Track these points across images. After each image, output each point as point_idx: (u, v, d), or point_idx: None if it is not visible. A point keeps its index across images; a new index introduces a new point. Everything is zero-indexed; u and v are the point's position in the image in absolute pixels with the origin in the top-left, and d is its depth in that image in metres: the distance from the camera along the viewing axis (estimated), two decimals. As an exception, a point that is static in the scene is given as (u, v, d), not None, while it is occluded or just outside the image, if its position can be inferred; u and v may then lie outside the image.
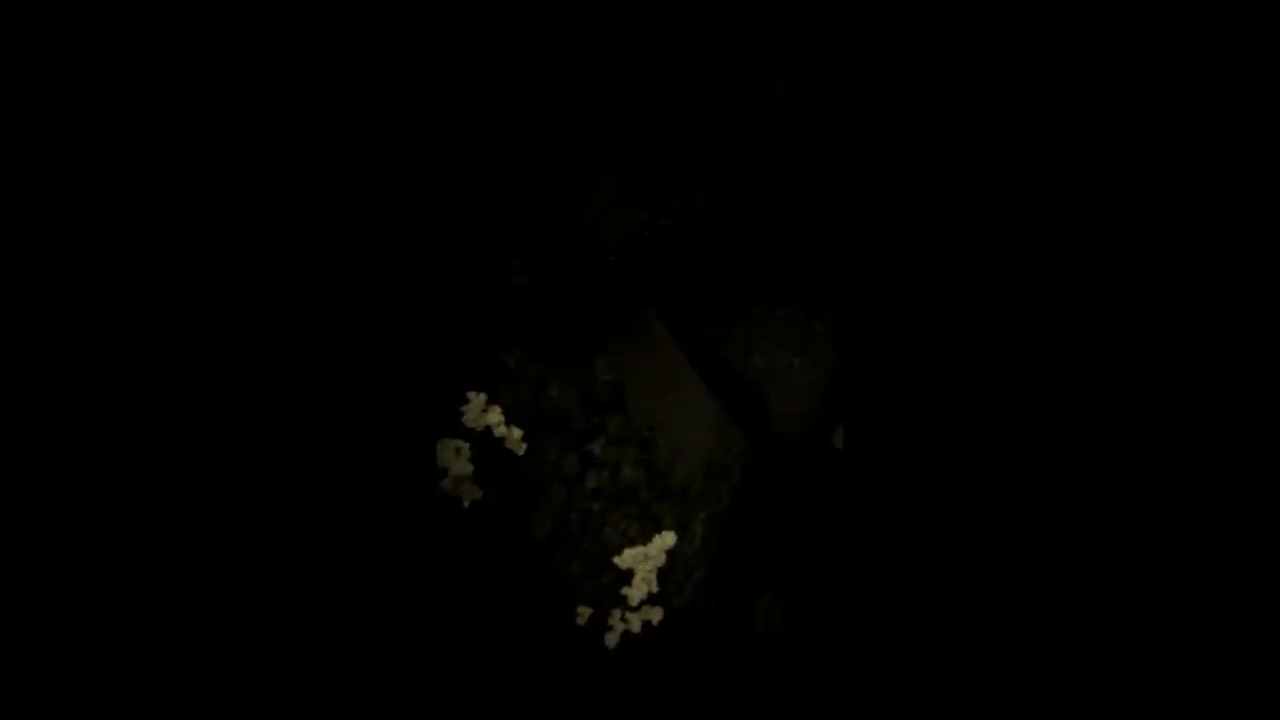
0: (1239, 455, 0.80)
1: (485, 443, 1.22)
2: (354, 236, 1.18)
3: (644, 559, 1.29)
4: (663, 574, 1.31)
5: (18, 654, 0.99)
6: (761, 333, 1.45)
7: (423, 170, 1.23)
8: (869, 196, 0.94)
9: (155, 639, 1.05)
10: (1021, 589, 0.88)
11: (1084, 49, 0.85)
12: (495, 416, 1.20)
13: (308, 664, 1.08)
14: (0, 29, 1.01)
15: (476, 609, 1.21)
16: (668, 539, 1.31)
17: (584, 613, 1.26)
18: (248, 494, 1.08)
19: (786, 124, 1.48)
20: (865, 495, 0.93)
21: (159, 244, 1.09)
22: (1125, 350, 0.85)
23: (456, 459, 1.17)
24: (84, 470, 1.03)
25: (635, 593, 1.28)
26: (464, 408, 1.19)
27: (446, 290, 1.22)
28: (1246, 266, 0.80)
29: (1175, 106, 0.81)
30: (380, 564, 1.14)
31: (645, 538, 1.30)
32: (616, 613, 1.28)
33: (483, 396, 1.19)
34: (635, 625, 1.28)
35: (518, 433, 1.21)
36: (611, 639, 1.27)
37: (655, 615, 1.29)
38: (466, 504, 1.18)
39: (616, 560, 1.28)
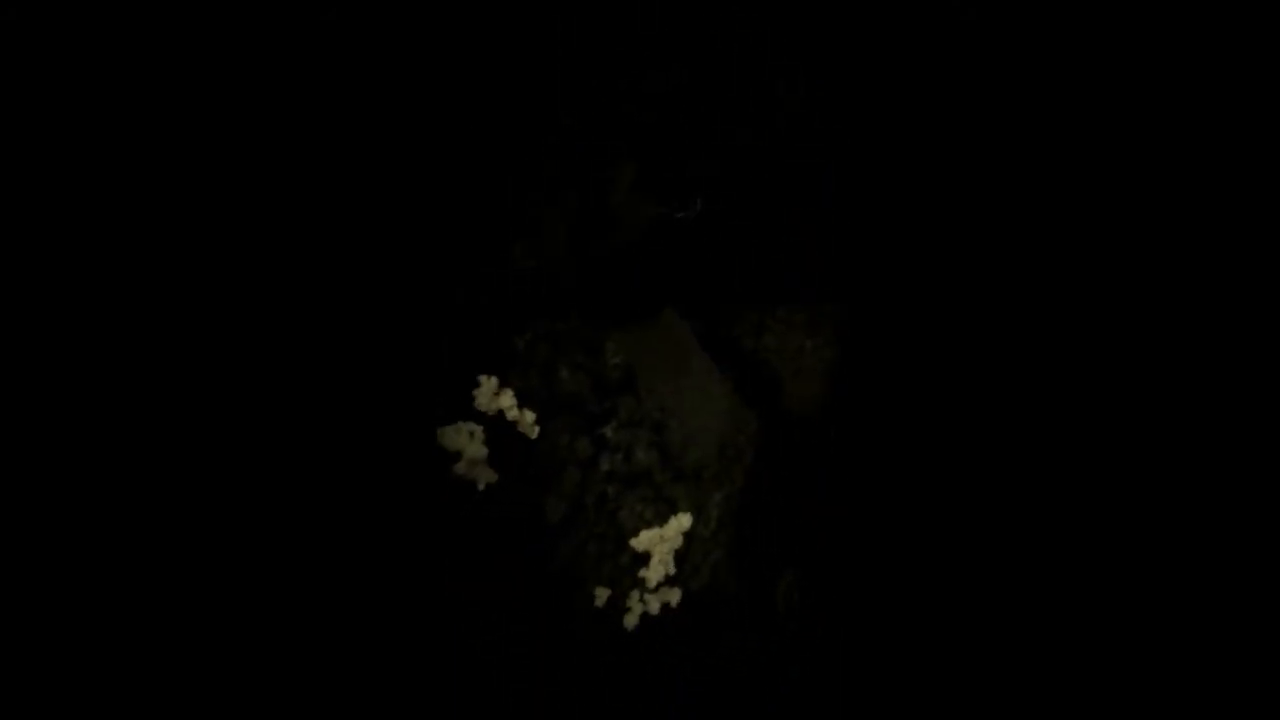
0: (1239, 455, 0.80)
1: (498, 427, 1.23)
2: (354, 235, 1.20)
3: (660, 541, 1.29)
4: (679, 556, 1.31)
5: (17, 654, 1.00)
6: (772, 315, 1.46)
7: (422, 170, 1.25)
8: (869, 196, 0.95)
9: (152, 632, 1.05)
10: (1031, 576, 0.88)
11: (1084, 49, 0.85)
12: (508, 400, 1.21)
13: (317, 651, 1.09)
14: (0, 29, 1.02)
15: (492, 594, 1.21)
16: (684, 521, 1.31)
17: (602, 594, 1.26)
18: (254, 486, 1.10)
19: (786, 124, 1.49)
20: (868, 483, 0.93)
21: (159, 243, 1.10)
22: (1122, 347, 0.85)
23: (470, 442, 1.19)
24: (86, 463, 1.04)
25: (653, 574, 1.29)
26: (475, 391, 1.20)
27: (447, 289, 1.24)
28: (1247, 267, 0.80)
29: (1175, 107, 0.82)
30: (391, 552, 1.15)
31: (661, 520, 1.31)
32: (635, 594, 1.28)
33: (494, 380, 1.21)
34: (654, 607, 1.28)
35: (530, 416, 1.22)
36: (630, 620, 1.27)
37: (674, 597, 1.29)
38: (481, 487, 1.19)
39: (633, 543, 1.29)
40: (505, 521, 1.23)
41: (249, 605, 1.08)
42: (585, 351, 1.31)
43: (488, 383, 1.20)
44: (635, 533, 1.29)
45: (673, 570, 1.29)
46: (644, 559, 1.29)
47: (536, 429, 1.23)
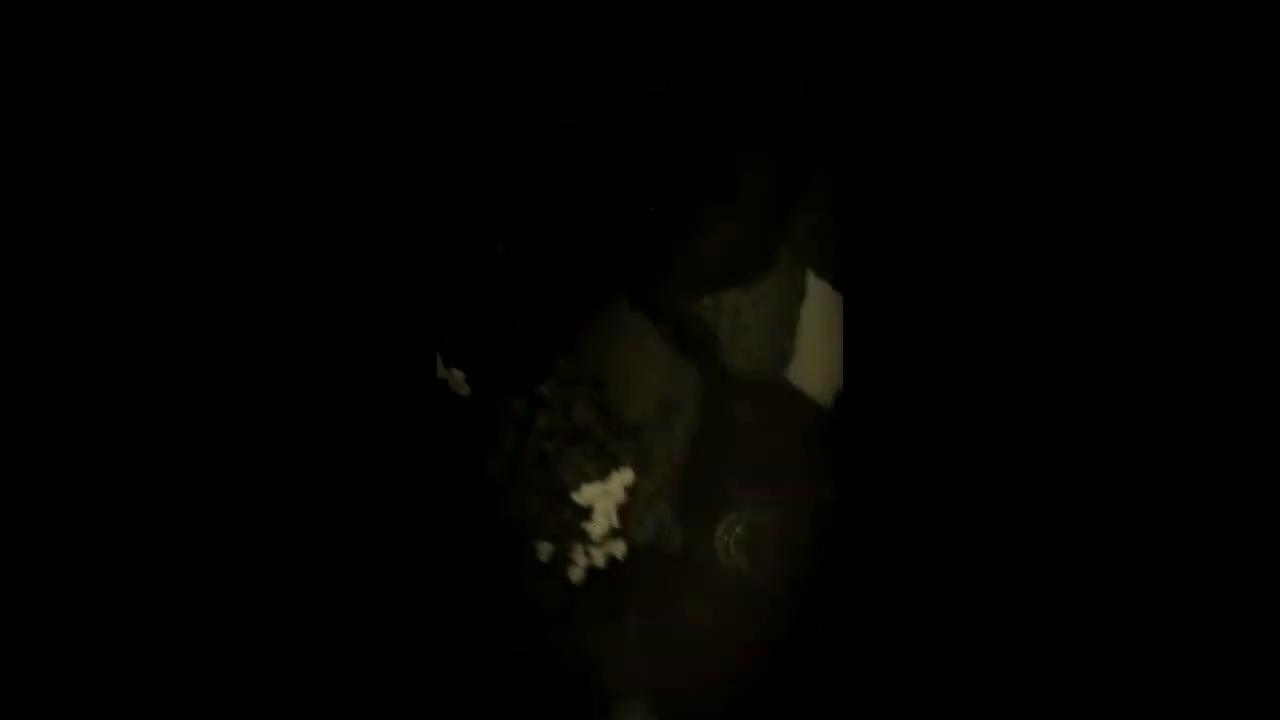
0: (1239, 455, 0.81)
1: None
2: (353, 235, 1.22)
3: (603, 495, 1.31)
4: (623, 510, 1.32)
5: (17, 654, 1.02)
6: (708, 271, 1.49)
7: (422, 170, 1.28)
8: (869, 196, 0.97)
9: (151, 631, 1.07)
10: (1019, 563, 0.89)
11: (1085, 49, 0.87)
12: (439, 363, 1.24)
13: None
14: (0, 29, 1.05)
15: (435, 553, 1.23)
16: (626, 475, 1.33)
17: (545, 549, 1.27)
18: (245, 477, 1.11)
19: (786, 124, 1.53)
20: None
21: (159, 243, 1.12)
22: (1120, 346, 0.86)
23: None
24: (85, 464, 1.06)
25: (596, 528, 1.30)
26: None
27: (446, 289, 1.26)
28: (1247, 267, 0.81)
29: (1176, 107, 0.83)
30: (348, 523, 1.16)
31: (603, 475, 1.32)
32: (579, 548, 1.29)
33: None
34: (599, 560, 1.29)
35: (459, 374, 1.25)
36: (576, 574, 1.28)
37: (619, 549, 1.30)
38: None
39: (575, 497, 1.30)
40: (446, 480, 1.25)
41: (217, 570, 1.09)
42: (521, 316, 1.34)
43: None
44: (577, 488, 1.31)
45: (616, 523, 1.31)
46: (586, 513, 1.30)
47: (468, 388, 1.25)
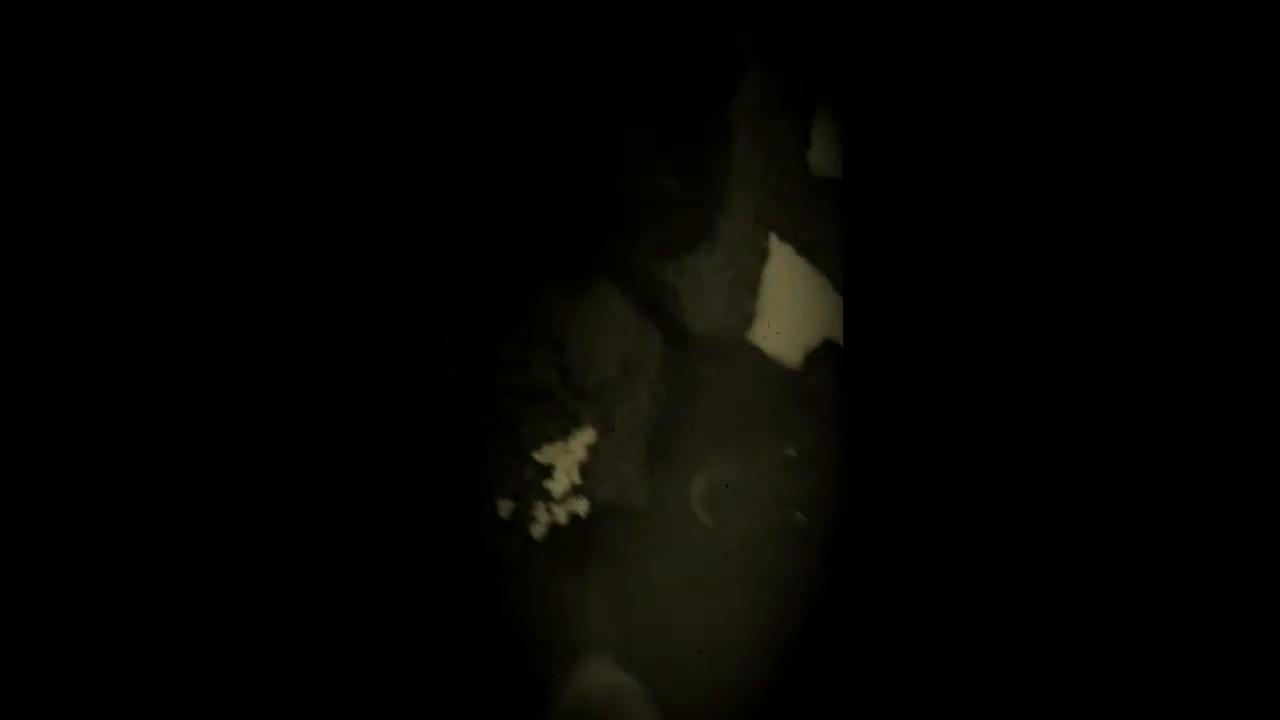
0: (1239, 456, 0.81)
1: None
2: (354, 235, 1.23)
3: (564, 454, 1.31)
4: (585, 469, 1.33)
5: (17, 654, 1.02)
6: (671, 233, 1.49)
7: (422, 170, 1.28)
8: (869, 196, 0.97)
9: (151, 631, 1.07)
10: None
11: (1085, 49, 0.87)
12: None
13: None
14: (0, 29, 1.05)
15: (396, 512, 1.23)
16: (588, 435, 1.33)
17: (505, 506, 1.28)
18: (242, 473, 1.11)
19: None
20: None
21: (159, 243, 1.13)
22: (1119, 344, 0.86)
23: None
24: (86, 464, 1.06)
25: (558, 486, 1.30)
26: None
27: (446, 289, 1.27)
28: (1247, 267, 0.81)
29: (1176, 107, 0.84)
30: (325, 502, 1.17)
31: (564, 435, 1.33)
32: (541, 506, 1.30)
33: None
34: (561, 517, 1.30)
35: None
36: (538, 530, 1.28)
37: (581, 507, 1.31)
38: None
39: (536, 455, 1.31)
40: (406, 443, 1.25)
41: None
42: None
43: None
44: (538, 447, 1.31)
45: (578, 481, 1.31)
46: (548, 471, 1.31)
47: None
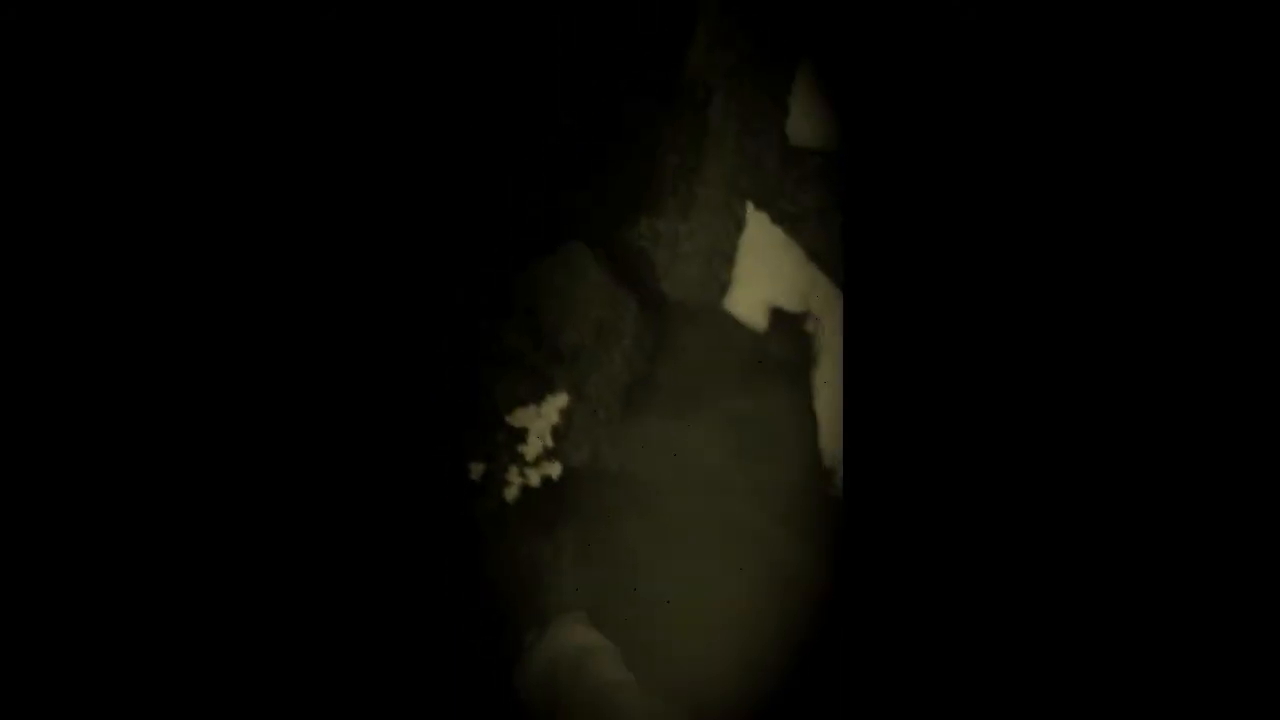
0: (1239, 456, 0.80)
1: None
2: (354, 234, 1.22)
3: (536, 417, 1.31)
4: (558, 432, 1.32)
5: (17, 654, 1.01)
6: (646, 200, 1.49)
7: (423, 170, 1.28)
8: (869, 196, 0.97)
9: (151, 631, 1.06)
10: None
11: (1085, 49, 0.87)
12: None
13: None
14: (0, 29, 1.04)
15: (370, 476, 1.23)
16: (561, 399, 1.33)
17: (477, 469, 1.27)
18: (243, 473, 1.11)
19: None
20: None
21: (159, 243, 1.12)
22: (1119, 343, 0.85)
23: None
24: (86, 464, 1.05)
25: (530, 449, 1.30)
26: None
27: (420, 255, 1.26)
28: (1248, 266, 0.81)
29: (1176, 107, 0.83)
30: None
31: (537, 399, 1.32)
32: (514, 469, 1.29)
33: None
34: (534, 480, 1.29)
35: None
36: (511, 493, 1.28)
37: (554, 470, 1.30)
38: None
39: (508, 419, 1.30)
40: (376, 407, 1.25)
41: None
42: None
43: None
44: (510, 411, 1.30)
45: (550, 444, 1.31)
46: (520, 435, 1.30)
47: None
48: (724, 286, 1.56)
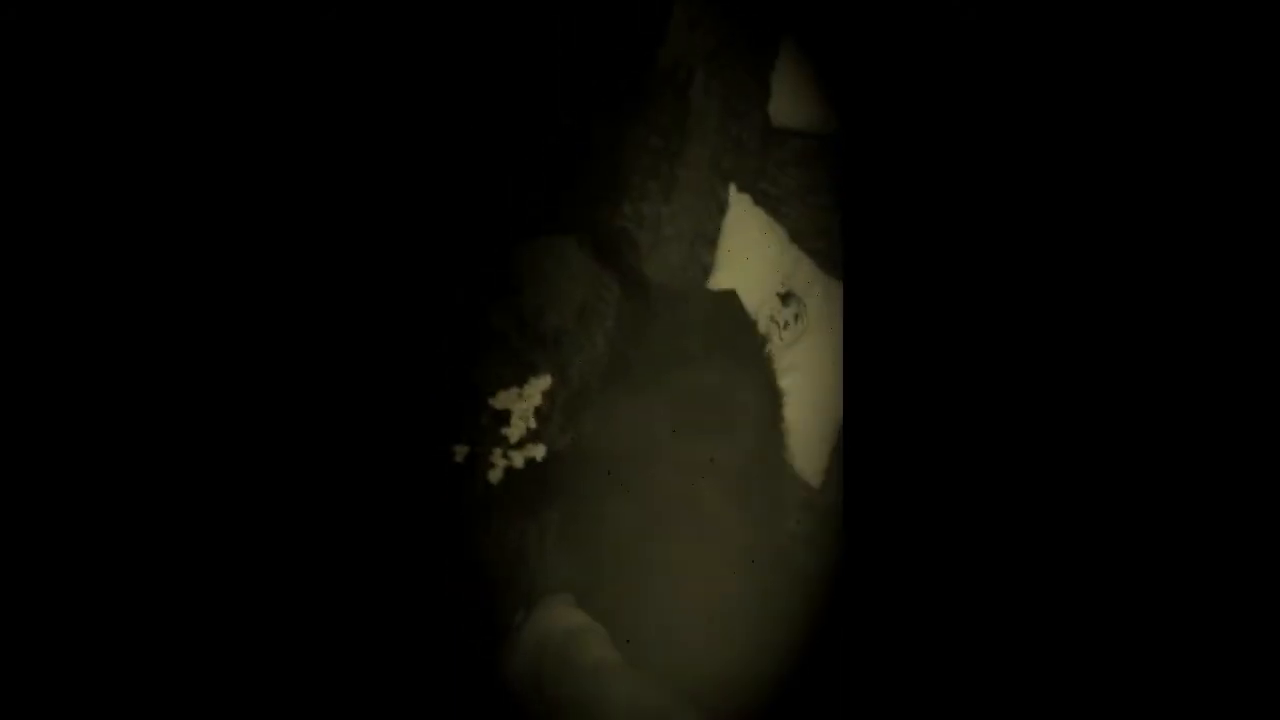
0: (1239, 456, 0.80)
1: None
2: (354, 235, 1.21)
3: (519, 399, 1.30)
4: (542, 414, 1.31)
5: (17, 654, 0.99)
6: (628, 181, 1.48)
7: (423, 170, 1.27)
8: (869, 196, 0.96)
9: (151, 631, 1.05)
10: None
11: (1085, 49, 0.86)
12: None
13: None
14: (0, 29, 1.02)
15: (353, 460, 1.22)
16: (544, 382, 1.32)
17: (461, 451, 1.26)
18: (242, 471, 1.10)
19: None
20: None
21: (160, 244, 1.11)
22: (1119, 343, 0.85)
23: None
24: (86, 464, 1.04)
25: (514, 431, 1.29)
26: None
27: (446, 289, 1.25)
28: (1247, 267, 0.81)
29: (1176, 108, 0.83)
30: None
31: (520, 381, 1.32)
32: (497, 451, 1.28)
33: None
34: (518, 462, 1.29)
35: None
36: (495, 475, 1.27)
37: (538, 453, 1.30)
38: None
39: (491, 402, 1.29)
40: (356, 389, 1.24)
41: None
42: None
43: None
44: (493, 393, 1.30)
45: (534, 426, 1.30)
46: (504, 418, 1.29)
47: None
48: (706, 269, 1.56)
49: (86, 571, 1.03)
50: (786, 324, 1.51)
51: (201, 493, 1.09)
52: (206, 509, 1.10)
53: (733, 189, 1.58)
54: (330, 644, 1.13)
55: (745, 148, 1.59)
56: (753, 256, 1.56)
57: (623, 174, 1.49)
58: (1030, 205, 0.88)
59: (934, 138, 0.92)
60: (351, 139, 1.26)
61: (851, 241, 0.96)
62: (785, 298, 1.53)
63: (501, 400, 1.30)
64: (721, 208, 1.56)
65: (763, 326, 1.48)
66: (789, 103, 1.57)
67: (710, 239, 1.55)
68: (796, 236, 1.56)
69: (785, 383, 1.45)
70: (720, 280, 1.53)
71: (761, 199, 1.58)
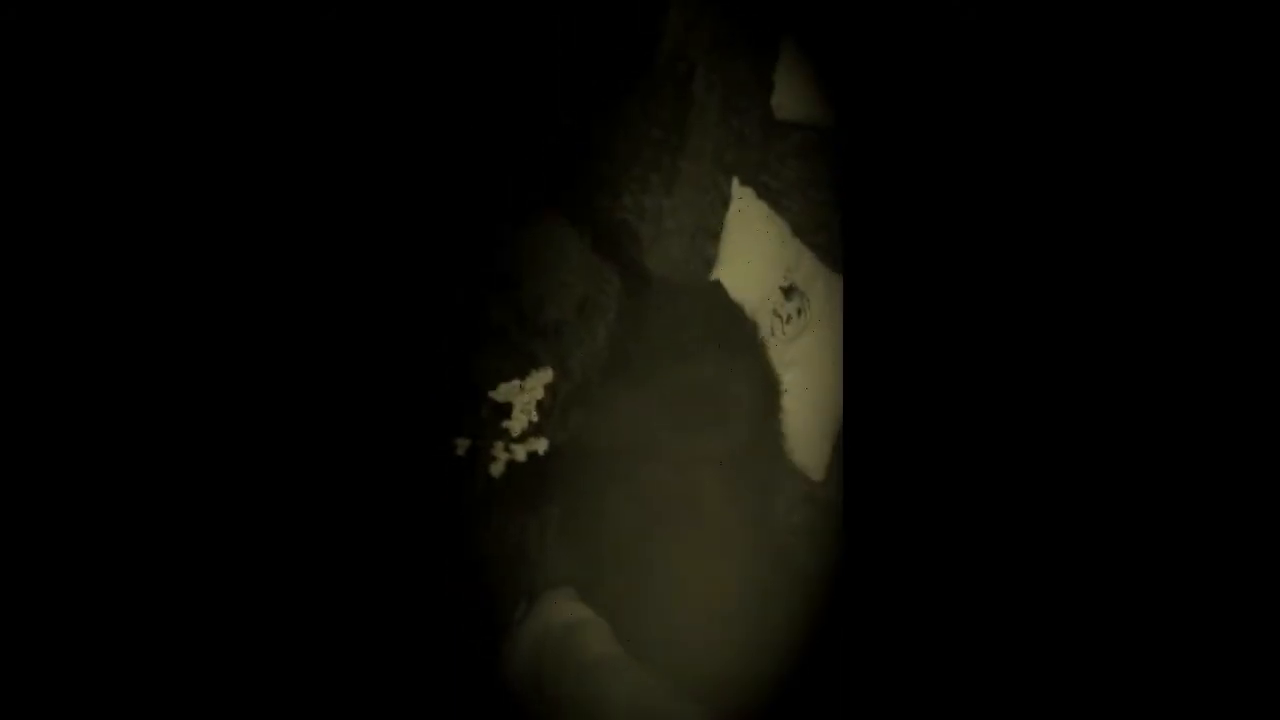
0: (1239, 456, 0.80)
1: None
2: (354, 235, 1.21)
3: (520, 392, 1.30)
4: (543, 408, 1.31)
5: (17, 654, 0.99)
6: (629, 174, 1.47)
7: (423, 170, 1.26)
8: (869, 191, 0.96)
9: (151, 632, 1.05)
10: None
11: (1085, 49, 0.86)
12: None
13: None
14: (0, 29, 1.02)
15: (354, 454, 1.22)
16: (545, 375, 1.32)
17: (462, 445, 1.26)
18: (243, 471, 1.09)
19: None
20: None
21: (160, 244, 1.11)
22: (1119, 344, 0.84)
23: None
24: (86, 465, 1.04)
25: (515, 425, 1.29)
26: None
27: (446, 283, 1.25)
28: (1247, 267, 0.80)
29: (1176, 108, 0.83)
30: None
31: (521, 374, 1.31)
32: (499, 445, 1.28)
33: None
34: (520, 455, 1.28)
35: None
36: (497, 469, 1.27)
37: (540, 446, 1.29)
38: None
39: (492, 395, 1.29)
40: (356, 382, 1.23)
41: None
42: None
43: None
44: (494, 386, 1.29)
45: (536, 420, 1.30)
46: (505, 411, 1.29)
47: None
48: (709, 262, 1.55)
49: (86, 568, 1.03)
50: (789, 318, 1.51)
51: (202, 488, 1.09)
52: (207, 505, 1.09)
53: (735, 182, 1.57)
54: (331, 639, 1.13)
55: (747, 141, 1.58)
56: (755, 250, 1.55)
57: (624, 167, 1.48)
58: (1031, 201, 0.88)
59: (933, 133, 0.91)
60: (350, 131, 1.26)
61: (851, 235, 0.96)
62: (788, 292, 1.53)
63: (503, 393, 1.29)
64: (723, 201, 1.55)
65: (765, 321, 1.48)
66: (791, 96, 1.57)
67: (712, 232, 1.54)
68: (799, 230, 1.55)
69: (788, 377, 1.44)
70: (722, 274, 1.52)
71: (763, 192, 1.57)
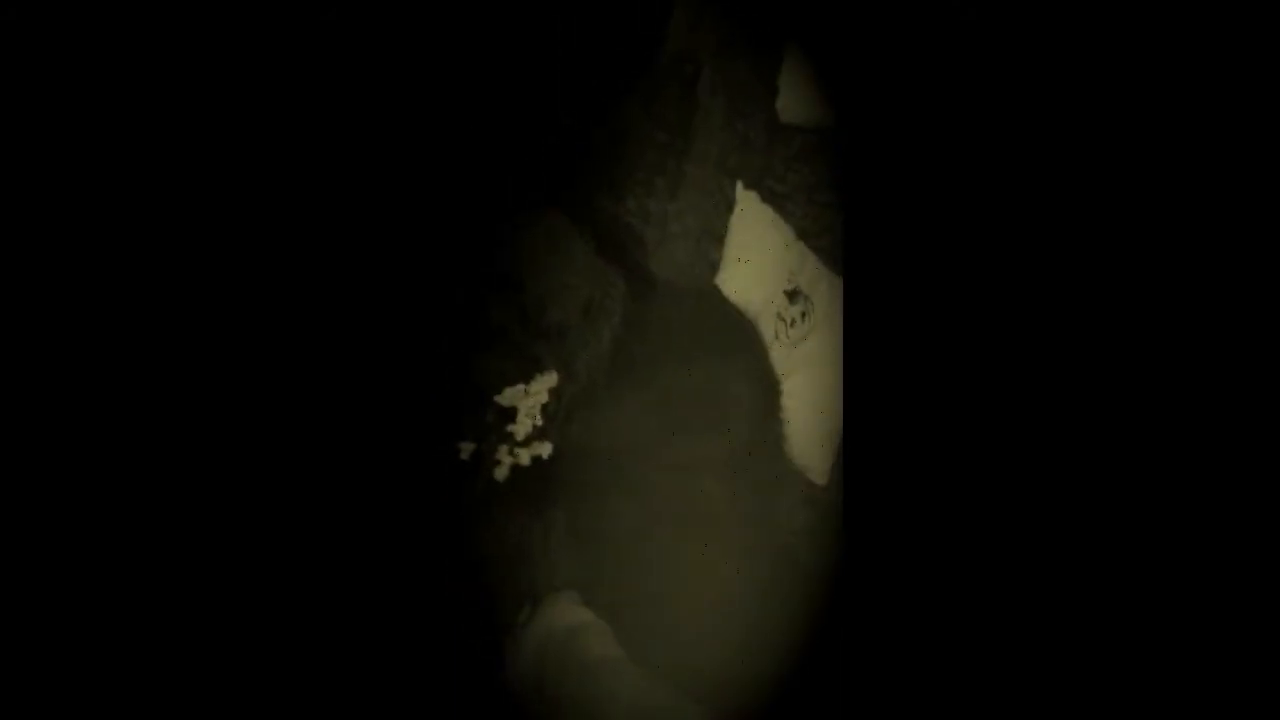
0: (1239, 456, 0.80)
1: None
2: (354, 235, 1.22)
3: (525, 396, 1.30)
4: (548, 411, 1.32)
5: (17, 654, 1.00)
6: (633, 178, 1.48)
7: (423, 170, 1.27)
8: (869, 196, 0.96)
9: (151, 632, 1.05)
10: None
11: (1086, 51, 0.86)
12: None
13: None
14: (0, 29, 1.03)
15: (358, 458, 1.22)
16: (550, 378, 1.32)
17: (466, 449, 1.27)
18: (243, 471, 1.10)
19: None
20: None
21: (160, 245, 1.12)
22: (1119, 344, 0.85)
23: None
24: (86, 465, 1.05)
25: (520, 428, 1.29)
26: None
27: (432, 267, 1.26)
28: (1247, 267, 0.81)
29: (1176, 108, 0.83)
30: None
31: (525, 377, 1.32)
32: (503, 448, 1.29)
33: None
34: (524, 459, 1.29)
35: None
36: (501, 473, 1.27)
37: (544, 450, 1.30)
38: None
39: (496, 399, 1.29)
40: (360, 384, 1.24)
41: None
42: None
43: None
44: (498, 390, 1.30)
45: (540, 423, 1.30)
46: (509, 414, 1.29)
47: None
48: (713, 265, 1.55)
49: (87, 569, 1.04)
50: (794, 321, 1.51)
51: (205, 490, 1.10)
52: (211, 507, 1.10)
53: (739, 186, 1.57)
54: (335, 641, 1.14)
55: (751, 145, 1.58)
56: (759, 254, 1.55)
57: (628, 170, 1.48)
58: (1033, 204, 0.88)
59: (936, 136, 0.91)
60: (352, 132, 1.27)
61: (852, 238, 0.96)
62: (792, 295, 1.53)
63: (508, 397, 1.30)
64: (728, 205, 1.56)
65: (770, 324, 1.48)
66: (795, 99, 1.57)
67: (717, 236, 1.54)
68: (803, 234, 1.56)
69: (793, 380, 1.45)
70: (727, 277, 1.53)
71: (768, 196, 1.58)
